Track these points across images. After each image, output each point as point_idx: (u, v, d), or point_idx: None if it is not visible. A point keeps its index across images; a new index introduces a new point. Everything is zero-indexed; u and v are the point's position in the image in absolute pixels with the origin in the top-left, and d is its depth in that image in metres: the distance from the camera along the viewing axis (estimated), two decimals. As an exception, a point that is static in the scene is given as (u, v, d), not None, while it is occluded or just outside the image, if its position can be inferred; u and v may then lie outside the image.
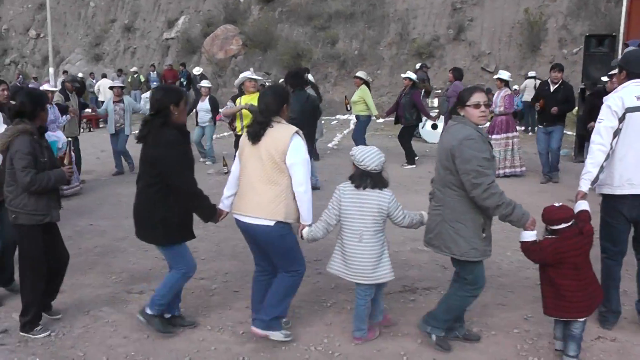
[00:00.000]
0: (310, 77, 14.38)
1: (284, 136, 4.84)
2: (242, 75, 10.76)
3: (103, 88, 25.07)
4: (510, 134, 12.35)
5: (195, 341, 5.30)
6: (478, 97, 4.66)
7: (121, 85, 14.10)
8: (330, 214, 5.08)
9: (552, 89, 11.72)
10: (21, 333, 5.39)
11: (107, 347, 5.22)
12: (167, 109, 5.05)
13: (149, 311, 5.28)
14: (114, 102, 13.41)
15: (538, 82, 18.09)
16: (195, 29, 31.08)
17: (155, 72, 27.93)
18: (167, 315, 5.52)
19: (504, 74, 12.67)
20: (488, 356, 4.94)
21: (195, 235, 5.38)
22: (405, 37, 24.33)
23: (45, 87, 10.84)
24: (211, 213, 5.26)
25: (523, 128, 18.38)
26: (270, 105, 4.96)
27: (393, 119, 14.51)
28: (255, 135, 4.91)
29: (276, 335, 5.13)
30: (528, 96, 17.84)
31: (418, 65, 20.84)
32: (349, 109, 14.40)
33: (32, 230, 5.25)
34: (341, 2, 26.70)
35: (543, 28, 21.37)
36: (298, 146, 4.85)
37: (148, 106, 12.97)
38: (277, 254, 5.03)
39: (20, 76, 32.15)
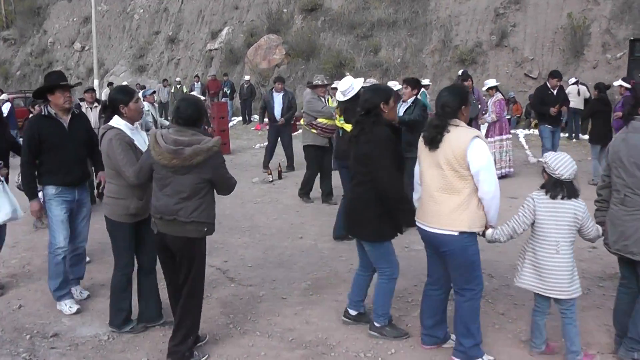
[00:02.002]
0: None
1: (463, 141, 4.54)
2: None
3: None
4: (504, 136, 12.91)
5: (245, 346, 5.36)
6: None
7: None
8: (519, 221, 4.85)
9: (554, 92, 12.77)
10: None
11: (157, 351, 5.30)
12: (377, 108, 5.05)
13: (376, 324, 5.38)
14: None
15: (581, 87, 17.86)
16: (238, 39, 31.36)
17: (199, 82, 28.23)
18: (353, 312, 5.66)
19: (492, 82, 13.33)
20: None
21: (402, 231, 5.33)
22: (447, 44, 24.21)
23: None
24: (412, 218, 5.02)
25: (567, 135, 18.13)
26: (448, 106, 4.67)
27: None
28: (432, 140, 4.65)
29: None
30: (573, 103, 17.43)
31: (460, 72, 20.75)
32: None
33: (204, 243, 5.11)
34: (383, 11, 26.69)
35: (586, 33, 21.07)
36: (479, 151, 4.54)
37: (148, 118, 12.14)
38: (457, 266, 4.78)
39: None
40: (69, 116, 6.18)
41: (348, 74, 14.40)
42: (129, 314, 5.71)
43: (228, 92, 26.50)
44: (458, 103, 4.66)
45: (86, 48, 39.56)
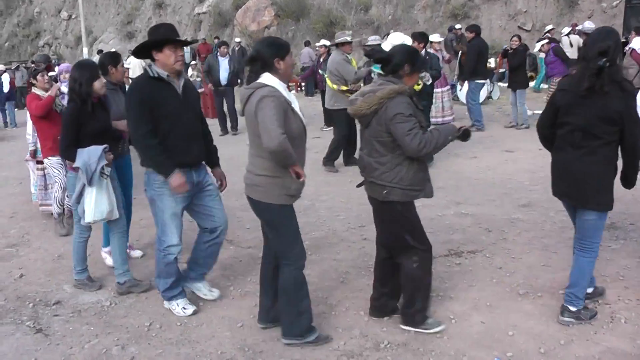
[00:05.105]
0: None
1: None
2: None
3: (133, 65, 24.08)
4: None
5: (247, 307, 5.38)
6: None
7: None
8: None
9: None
10: (408, 327, 4.80)
11: (160, 315, 5.33)
12: (616, 59, 4.30)
13: (572, 309, 4.79)
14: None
15: (573, 37, 17.73)
16: (226, 2, 31.04)
17: (189, 47, 27.94)
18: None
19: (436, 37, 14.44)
20: (535, 318, 4.94)
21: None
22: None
23: None
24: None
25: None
26: None
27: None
28: None
29: None
30: (567, 54, 17.63)
31: (449, 28, 20.70)
32: None
33: (409, 206, 4.57)
34: (373, -34, 26.44)
35: (581, -19, 20.94)
36: None
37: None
38: None
39: (55, 58, 32.46)
40: (182, 81, 5.05)
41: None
42: (311, 318, 4.70)
43: (219, 55, 26.24)
44: None
45: (73, 16, 39.19)
